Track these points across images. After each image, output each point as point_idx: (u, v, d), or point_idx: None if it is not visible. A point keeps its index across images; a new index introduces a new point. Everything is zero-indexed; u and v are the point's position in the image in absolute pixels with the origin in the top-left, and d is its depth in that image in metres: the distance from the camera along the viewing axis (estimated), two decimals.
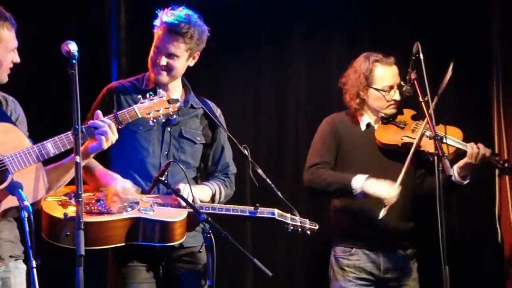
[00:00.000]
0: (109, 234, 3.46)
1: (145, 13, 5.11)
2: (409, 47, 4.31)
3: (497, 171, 4.72)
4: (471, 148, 4.26)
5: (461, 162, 4.29)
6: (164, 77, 3.83)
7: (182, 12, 3.81)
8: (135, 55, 5.13)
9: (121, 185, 3.62)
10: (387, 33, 5.30)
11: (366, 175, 4.28)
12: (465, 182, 4.33)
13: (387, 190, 4.22)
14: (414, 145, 4.29)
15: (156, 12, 3.85)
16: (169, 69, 3.81)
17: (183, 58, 3.82)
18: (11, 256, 3.21)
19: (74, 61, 3.09)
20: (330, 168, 4.41)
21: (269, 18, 5.39)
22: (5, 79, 3.28)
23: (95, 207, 3.49)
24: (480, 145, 4.28)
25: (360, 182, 4.26)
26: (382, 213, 4.20)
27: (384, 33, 5.30)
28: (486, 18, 5.25)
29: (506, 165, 4.36)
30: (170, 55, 3.79)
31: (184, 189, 3.66)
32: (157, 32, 3.82)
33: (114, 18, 5.20)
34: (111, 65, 5.17)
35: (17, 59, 3.27)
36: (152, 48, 3.83)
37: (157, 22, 3.83)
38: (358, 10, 5.36)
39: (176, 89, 3.91)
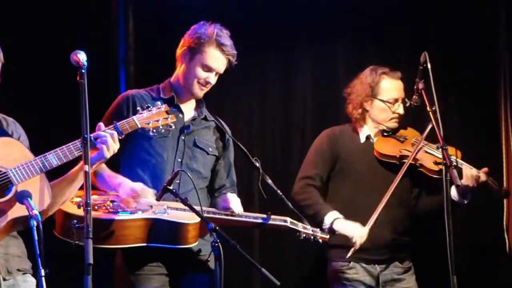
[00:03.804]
0: (122, 233, 3.46)
1: (153, 21, 5.16)
2: (412, 51, 4.32)
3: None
4: (468, 172, 4.23)
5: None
6: (204, 92, 3.88)
7: (226, 32, 3.83)
8: (143, 62, 5.14)
9: (140, 185, 3.61)
10: (392, 37, 5.30)
11: (339, 215, 4.29)
12: (466, 202, 4.31)
13: (356, 230, 4.24)
14: (410, 157, 4.31)
15: (201, 27, 3.82)
16: (211, 84, 3.87)
17: None
18: (18, 270, 3.20)
19: (83, 71, 3.08)
20: (320, 182, 4.44)
21: (274, 22, 5.37)
22: None
23: (110, 206, 3.50)
24: (476, 171, 4.25)
25: (330, 218, 4.29)
26: (350, 253, 4.23)
27: (389, 37, 5.30)
28: (493, 30, 5.23)
29: (503, 190, 4.46)
30: (217, 73, 3.85)
31: (232, 199, 3.78)
32: (204, 49, 3.79)
33: (122, 25, 5.20)
34: (119, 73, 5.18)
35: None
36: (199, 65, 3.81)
37: (199, 38, 3.79)
38: (363, 13, 5.35)
39: (191, 100, 3.94)
